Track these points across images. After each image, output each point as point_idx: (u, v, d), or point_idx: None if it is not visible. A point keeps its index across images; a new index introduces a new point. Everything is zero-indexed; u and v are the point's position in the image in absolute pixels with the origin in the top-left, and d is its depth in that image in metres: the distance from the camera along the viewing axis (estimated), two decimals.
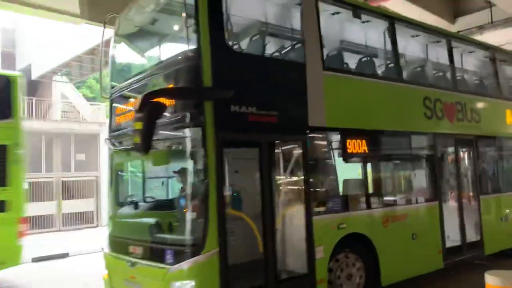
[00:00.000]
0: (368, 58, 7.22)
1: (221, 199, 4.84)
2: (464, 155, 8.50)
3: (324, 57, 6.21)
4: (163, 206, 6.10)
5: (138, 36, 6.86)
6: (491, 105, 9.08)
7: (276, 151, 5.52)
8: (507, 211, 8.86)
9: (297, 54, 6.07)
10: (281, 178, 5.70)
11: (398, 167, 7.66)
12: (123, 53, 6.96)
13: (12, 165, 8.42)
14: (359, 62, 7.23)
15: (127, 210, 6.42)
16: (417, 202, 7.30)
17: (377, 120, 6.76)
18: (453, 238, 7.64)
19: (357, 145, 6.36)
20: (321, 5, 6.24)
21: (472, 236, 8.08)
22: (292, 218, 5.73)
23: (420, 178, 7.64)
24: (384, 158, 7.09)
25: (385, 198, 6.85)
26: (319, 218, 5.75)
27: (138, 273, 5.27)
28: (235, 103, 5.10)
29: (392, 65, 7.35)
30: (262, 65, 5.75)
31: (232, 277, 4.87)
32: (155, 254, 5.12)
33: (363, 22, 6.96)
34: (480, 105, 8.76)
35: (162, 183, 6.73)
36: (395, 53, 7.24)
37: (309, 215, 5.64)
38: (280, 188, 5.67)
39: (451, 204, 7.89)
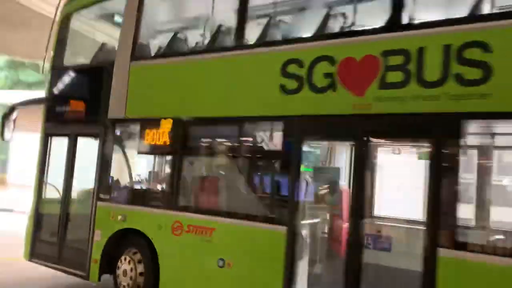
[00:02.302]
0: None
1: None
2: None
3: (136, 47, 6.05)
4: None
5: None
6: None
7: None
8: None
9: None
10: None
11: (218, 166, 5.16)
12: None
13: None
14: (176, 39, 5.80)
15: None
16: (242, 218, 4.87)
17: (189, 107, 5.46)
18: None
19: (156, 137, 5.67)
20: None
21: None
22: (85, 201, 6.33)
23: (257, 185, 4.80)
24: (193, 153, 5.33)
25: (184, 201, 5.30)
26: (102, 205, 6.05)
27: None
28: None
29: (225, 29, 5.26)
30: None
31: None
32: None
33: None
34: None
35: None
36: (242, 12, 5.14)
37: (95, 199, 6.14)
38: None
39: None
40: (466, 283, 3.66)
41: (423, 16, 4.27)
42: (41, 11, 13.36)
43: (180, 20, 6.80)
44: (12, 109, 7.34)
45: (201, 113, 5.37)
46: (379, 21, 4.36)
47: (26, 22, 12.70)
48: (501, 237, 4.60)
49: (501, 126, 4.44)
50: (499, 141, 4.94)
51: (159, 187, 6.20)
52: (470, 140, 4.55)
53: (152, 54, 6.22)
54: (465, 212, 4.38)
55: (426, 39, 4.06)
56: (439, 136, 3.89)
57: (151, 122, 5.77)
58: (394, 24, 4.26)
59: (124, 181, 6.32)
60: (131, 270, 5.69)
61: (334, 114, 4.46)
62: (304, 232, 4.69)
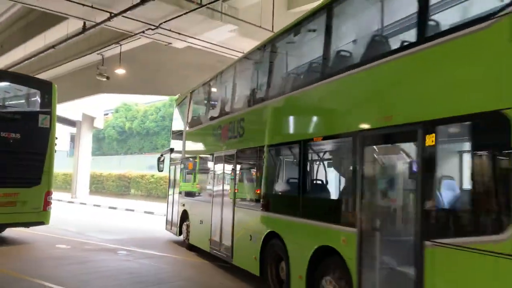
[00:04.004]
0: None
1: None
2: (230, 169, 9.03)
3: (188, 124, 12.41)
4: None
5: None
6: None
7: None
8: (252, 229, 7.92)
9: None
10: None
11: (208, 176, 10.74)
12: None
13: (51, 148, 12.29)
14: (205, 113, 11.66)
15: None
16: (205, 201, 10.57)
17: (203, 150, 11.49)
18: (217, 234, 9.68)
19: (196, 164, 11.88)
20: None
21: (227, 240, 9.12)
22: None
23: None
24: (202, 171, 11.18)
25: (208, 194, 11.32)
26: (180, 199, 12.54)
27: None
28: None
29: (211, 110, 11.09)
30: None
31: None
32: None
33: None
34: (243, 118, 8.64)
35: None
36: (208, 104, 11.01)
37: (179, 197, 12.70)
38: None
39: (219, 208, 9.62)
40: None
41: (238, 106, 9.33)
42: (222, 54, 18.12)
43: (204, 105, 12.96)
44: (161, 155, 14.79)
45: (204, 153, 11.42)
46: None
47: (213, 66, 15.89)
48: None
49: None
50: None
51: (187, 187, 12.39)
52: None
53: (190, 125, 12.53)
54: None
55: (234, 117, 9.11)
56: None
57: (189, 158, 12.04)
58: (230, 110, 9.46)
59: (186, 185, 12.71)
60: (185, 228, 11.97)
61: (220, 151, 9.84)
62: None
